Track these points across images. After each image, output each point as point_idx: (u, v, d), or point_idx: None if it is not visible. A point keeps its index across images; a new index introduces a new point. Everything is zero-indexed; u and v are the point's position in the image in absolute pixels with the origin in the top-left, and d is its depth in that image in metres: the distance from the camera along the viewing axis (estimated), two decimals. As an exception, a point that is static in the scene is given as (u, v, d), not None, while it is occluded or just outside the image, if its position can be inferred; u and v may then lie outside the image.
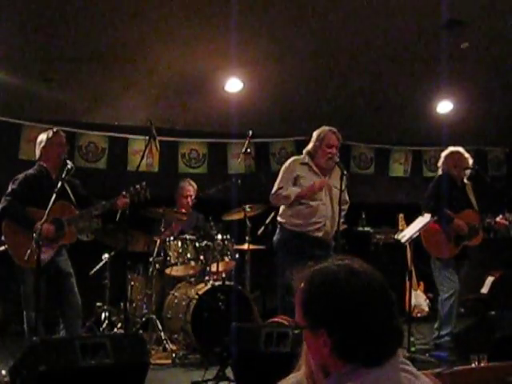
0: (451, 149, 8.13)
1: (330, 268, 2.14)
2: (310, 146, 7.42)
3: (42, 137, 7.02)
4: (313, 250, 7.21)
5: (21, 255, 6.31)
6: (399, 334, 2.14)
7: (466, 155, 8.07)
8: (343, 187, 7.08)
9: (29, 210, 6.66)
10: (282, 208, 7.52)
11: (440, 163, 8.18)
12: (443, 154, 8.15)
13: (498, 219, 7.98)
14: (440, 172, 8.18)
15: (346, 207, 7.61)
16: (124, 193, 7.09)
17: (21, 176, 6.87)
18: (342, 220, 7.61)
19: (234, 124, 9.49)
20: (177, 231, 8.95)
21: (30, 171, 6.94)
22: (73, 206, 6.91)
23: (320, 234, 7.28)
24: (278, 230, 7.56)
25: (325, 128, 7.36)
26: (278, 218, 7.56)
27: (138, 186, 7.19)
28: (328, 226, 7.28)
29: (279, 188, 7.33)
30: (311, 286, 2.14)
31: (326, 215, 7.27)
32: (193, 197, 9.18)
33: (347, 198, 7.57)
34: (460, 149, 8.11)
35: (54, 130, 7.10)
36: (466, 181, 8.15)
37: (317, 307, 2.11)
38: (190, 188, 9.20)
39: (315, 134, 7.39)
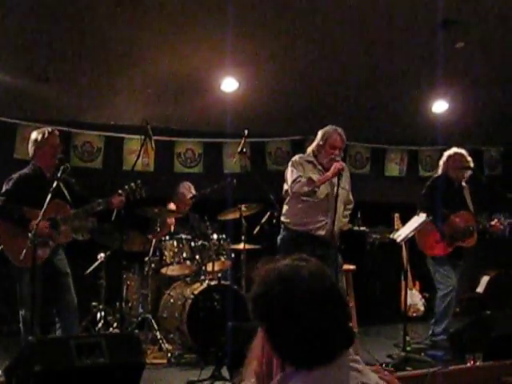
0: (454, 150, 8.13)
1: (279, 269, 2.19)
2: (314, 145, 7.35)
3: (37, 136, 6.97)
4: (315, 249, 7.14)
5: (16, 255, 6.29)
6: (345, 336, 2.15)
7: (469, 158, 8.08)
8: (342, 184, 7.09)
9: (24, 210, 6.65)
10: (285, 207, 7.46)
11: (441, 162, 8.19)
12: (446, 154, 8.16)
13: (492, 223, 7.99)
14: (439, 171, 8.19)
15: (350, 207, 7.61)
16: (120, 191, 7.09)
17: (15, 176, 6.85)
18: (346, 220, 7.63)
19: (230, 123, 9.49)
20: (171, 228, 8.96)
21: (25, 170, 6.93)
22: (68, 205, 6.90)
23: (322, 233, 7.21)
24: (281, 230, 7.53)
25: (330, 128, 7.26)
26: (282, 218, 7.51)
27: (133, 185, 7.19)
28: (331, 225, 7.23)
29: (298, 176, 7.16)
30: (259, 284, 2.23)
31: (329, 213, 7.23)
32: (191, 199, 9.20)
33: (351, 198, 7.57)
34: (463, 151, 8.12)
35: (49, 129, 7.06)
36: (463, 184, 8.17)
37: (259, 304, 2.20)
38: (190, 195, 9.20)
39: (320, 133, 7.30)
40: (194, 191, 9.23)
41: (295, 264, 2.19)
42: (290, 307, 2.09)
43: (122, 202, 7.11)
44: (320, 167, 7.24)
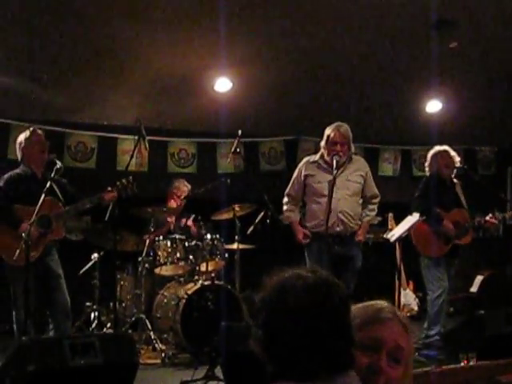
0: (437, 148, 8.11)
1: (280, 277, 2.12)
2: (321, 143, 7.46)
3: (21, 138, 7.05)
4: (335, 248, 7.14)
5: (9, 254, 6.29)
6: (333, 357, 2.03)
7: (453, 153, 8.06)
8: (348, 177, 7.32)
9: (16, 208, 6.65)
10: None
11: (427, 164, 8.17)
12: (429, 154, 8.14)
13: (487, 218, 7.98)
14: (428, 171, 8.17)
15: (375, 201, 7.63)
16: (109, 188, 7.10)
17: (6, 175, 6.88)
18: (373, 213, 7.67)
19: (224, 124, 9.47)
20: (170, 227, 8.97)
21: (16, 170, 6.95)
22: (60, 203, 6.90)
23: (339, 229, 7.23)
24: None
25: (332, 125, 7.31)
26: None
27: (124, 180, 7.18)
28: (345, 219, 7.26)
29: (287, 195, 7.53)
30: (262, 290, 2.15)
31: (340, 209, 7.21)
32: (185, 196, 9.19)
33: (376, 191, 7.61)
34: (445, 147, 8.09)
35: (31, 129, 7.14)
36: (455, 180, 8.15)
37: (255, 309, 2.16)
38: (185, 189, 9.22)
39: (325, 131, 7.39)
40: (188, 185, 9.26)
41: (297, 274, 2.10)
42: (276, 317, 2.05)
43: (114, 197, 7.12)
44: (326, 166, 7.33)
